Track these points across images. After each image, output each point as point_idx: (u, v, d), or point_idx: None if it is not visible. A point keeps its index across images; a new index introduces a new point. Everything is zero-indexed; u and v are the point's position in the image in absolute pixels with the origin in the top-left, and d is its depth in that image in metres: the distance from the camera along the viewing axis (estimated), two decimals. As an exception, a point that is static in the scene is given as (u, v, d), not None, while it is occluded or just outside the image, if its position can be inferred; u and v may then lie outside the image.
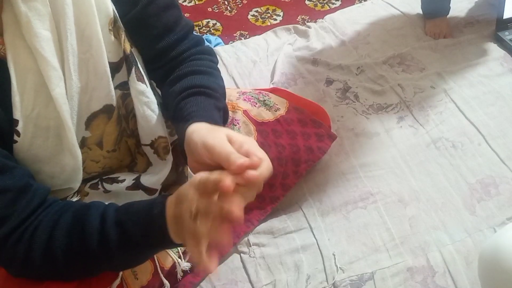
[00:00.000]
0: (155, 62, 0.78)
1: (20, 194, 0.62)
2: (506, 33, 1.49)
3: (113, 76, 0.71)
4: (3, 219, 0.61)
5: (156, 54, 0.77)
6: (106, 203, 0.66)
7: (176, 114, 0.72)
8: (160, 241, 0.60)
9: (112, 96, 0.72)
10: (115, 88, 0.73)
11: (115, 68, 0.72)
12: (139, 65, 0.75)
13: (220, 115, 0.73)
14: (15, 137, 0.64)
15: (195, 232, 0.54)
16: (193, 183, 0.55)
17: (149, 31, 0.75)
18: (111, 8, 0.69)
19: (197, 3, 1.89)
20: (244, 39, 1.68)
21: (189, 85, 0.74)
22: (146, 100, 0.75)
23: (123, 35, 0.71)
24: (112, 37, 0.70)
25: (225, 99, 0.77)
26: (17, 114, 0.63)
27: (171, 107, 0.74)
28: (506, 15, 1.48)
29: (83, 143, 0.73)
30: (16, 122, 0.63)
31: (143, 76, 0.75)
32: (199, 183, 0.55)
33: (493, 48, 1.48)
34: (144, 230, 0.60)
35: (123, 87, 0.75)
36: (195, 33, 0.82)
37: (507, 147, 1.20)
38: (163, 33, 0.76)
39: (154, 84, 0.84)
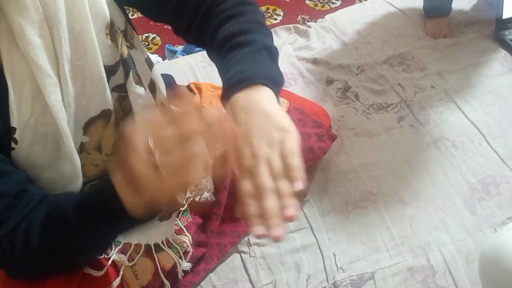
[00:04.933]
0: (179, 21, 0.74)
1: (15, 200, 0.62)
2: (506, 33, 1.49)
3: (108, 79, 0.71)
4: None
5: (174, 11, 0.72)
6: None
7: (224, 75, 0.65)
8: (116, 210, 0.55)
9: (109, 101, 0.72)
10: (111, 90, 0.72)
11: (110, 71, 0.71)
12: (136, 68, 0.74)
13: (260, 55, 0.64)
14: (13, 145, 0.64)
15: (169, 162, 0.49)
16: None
17: None
18: (107, 11, 0.68)
19: (197, 2, 1.89)
20: (245, 38, 1.68)
21: (220, 41, 0.67)
22: (145, 103, 0.75)
23: (120, 39, 0.70)
24: (109, 41, 0.69)
25: (263, 32, 0.68)
26: (15, 122, 0.63)
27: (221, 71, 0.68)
28: (505, 15, 1.48)
29: (81, 148, 0.73)
30: (13, 129, 0.63)
31: (140, 78, 0.74)
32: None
33: (494, 48, 1.48)
34: (98, 203, 0.58)
35: (120, 90, 0.74)
36: None
37: (507, 147, 1.20)
38: None
39: (157, 82, 0.83)
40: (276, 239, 0.48)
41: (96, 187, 0.60)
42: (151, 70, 0.80)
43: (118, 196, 0.54)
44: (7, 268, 0.65)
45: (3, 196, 0.61)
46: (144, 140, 0.50)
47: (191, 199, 0.96)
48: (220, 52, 0.66)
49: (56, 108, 0.64)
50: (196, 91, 1.09)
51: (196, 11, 0.71)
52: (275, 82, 0.60)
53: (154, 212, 0.58)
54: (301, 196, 1.14)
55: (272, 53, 0.66)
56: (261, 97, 0.56)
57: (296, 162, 0.51)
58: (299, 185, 0.50)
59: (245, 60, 0.62)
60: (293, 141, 0.53)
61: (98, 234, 0.62)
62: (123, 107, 0.76)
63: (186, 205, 0.95)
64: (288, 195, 0.50)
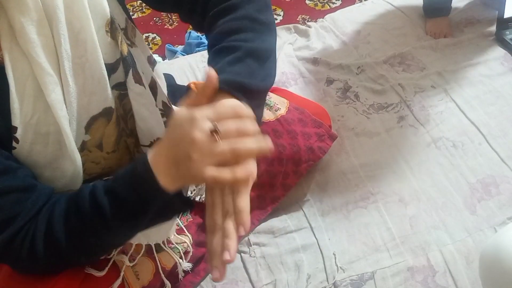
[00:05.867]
0: (181, 10, 0.76)
1: (25, 194, 0.62)
2: (507, 32, 1.49)
3: (109, 77, 0.71)
4: (11, 219, 0.61)
5: (173, 6, 0.75)
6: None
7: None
8: (152, 193, 0.58)
9: (110, 99, 0.71)
10: (112, 88, 0.72)
11: (111, 68, 0.71)
12: (137, 66, 0.74)
13: (240, 65, 0.65)
14: (14, 144, 0.64)
15: (214, 150, 0.53)
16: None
17: None
18: (107, 9, 0.68)
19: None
20: (245, 38, 1.68)
21: (211, 41, 0.70)
22: (144, 102, 0.75)
23: (120, 36, 0.70)
24: (109, 39, 0.69)
25: (254, 27, 0.69)
26: (16, 121, 0.62)
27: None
28: (506, 15, 1.48)
29: (82, 147, 0.73)
30: (15, 129, 0.63)
31: (140, 77, 0.74)
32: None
33: (494, 48, 1.48)
34: (132, 187, 0.59)
35: (120, 87, 0.74)
36: None
37: (507, 147, 1.20)
38: None
39: (158, 80, 0.82)
40: (215, 281, 0.52)
41: (124, 171, 0.61)
42: (153, 68, 0.80)
43: (154, 176, 0.57)
44: (24, 263, 0.65)
45: (12, 191, 0.61)
46: (203, 112, 0.55)
47: (191, 199, 0.97)
48: (209, 53, 0.69)
49: (56, 106, 0.63)
50: (196, 91, 1.08)
51: (195, 2, 0.73)
52: (243, 90, 0.62)
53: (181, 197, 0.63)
54: (301, 196, 1.14)
55: (258, 56, 0.67)
56: None
57: (243, 203, 0.56)
58: (241, 232, 0.55)
59: (223, 71, 0.64)
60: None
61: (130, 219, 0.62)
62: (123, 105, 0.76)
63: None
64: (231, 236, 0.55)
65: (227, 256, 0.54)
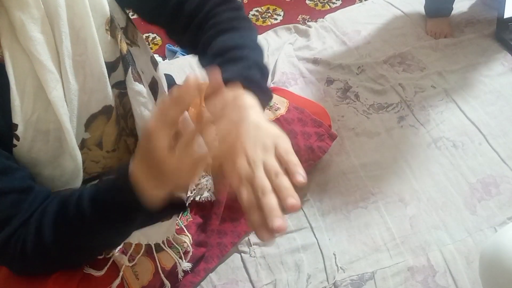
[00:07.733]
0: (175, 25, 0.75)
1: (22, 195, 0.62)
2: (507, 32, 1.49)
3: (109, 75, 0.71)
4: (7, 220, 0.61)
5: (171, 15, 0.72)
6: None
7: None
8: (134, 205, 0.55)
9: (110, 97, 0.72)
10: (112, 87, 0.72)
11: (111, 67, 0.71)
12: (136, 65, 0.74)
13: (250, 72, 0.65)
14: (15, 141, 0.64)
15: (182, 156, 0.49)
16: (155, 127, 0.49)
17: None
18: (107, 7, 0.68)
19: (197, 2, 1.89)
20: (245, 38, 1.68)
21: (215, 52, 0.68)
22: (144, 101, 0.75)
23: (119, 35, 0.70)
24: (109, 37, 0.69)
25: (256, 50, 0.70)
26: (17, 118, 0.63)
27: None
28: (506, 15, 1.48)
29: (82, 145, 0.73)
30: (15, 126, 0.63)
31: (140, 76, 0.74)
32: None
33: (494, 48, 1.48)
34: (114, 198, 0.57)
35: (120, 86, 0.74)
36: None
37: (507, 147, 1.20)
38: None
39: (160, 80, 0.82)
40: (278, 230, 0.47)
41: (109, 180, 0.60)
42: (155, 69, 0.80)
43: (134, 189, 0.53)
44: (17, 264, 0.66)
45: (9, 192, 0.61)
46: (164, 131, 0.49)
47: (191, 198, 0.97)
48: (214, 63, 0.66)
49: (57, 104, 0.64)
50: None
51: (192, 18, 0.72)
52: (264, 94, 0.61)
53: (171, 200, 0.57)
54: (301, 196, 1.14)
55: (263, 71, 0.67)
56: (252, 108, 0.57)
57: (294, 158, 0.51)
58: (300, 178, 0.49)
59: (238, 76, 0.62)
60: (286, 143, 0.53)
61: (114, 230, 0.62)
62: (123, 104, 0.76)
63: (186, 205, 0.95)
64: (288, 188, 0.49)
65: (292, 200, 0.49)
